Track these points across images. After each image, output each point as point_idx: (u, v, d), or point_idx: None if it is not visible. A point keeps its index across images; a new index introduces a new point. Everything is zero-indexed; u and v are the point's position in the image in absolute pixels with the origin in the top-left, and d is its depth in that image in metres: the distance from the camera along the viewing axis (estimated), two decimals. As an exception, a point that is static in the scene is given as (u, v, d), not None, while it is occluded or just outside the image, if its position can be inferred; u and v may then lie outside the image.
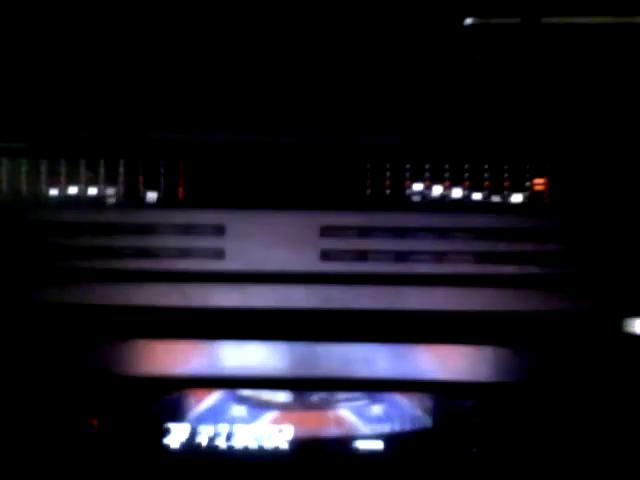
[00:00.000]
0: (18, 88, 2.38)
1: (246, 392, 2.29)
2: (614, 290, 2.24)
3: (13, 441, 2.30)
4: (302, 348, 2.24)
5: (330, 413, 2.28)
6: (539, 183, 2.28)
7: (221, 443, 2.30)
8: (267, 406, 2.29)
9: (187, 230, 2.24)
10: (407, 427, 2.29)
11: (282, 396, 2.28)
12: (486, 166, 2.28)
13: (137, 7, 2.59)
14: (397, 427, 2.29)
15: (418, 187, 2.28)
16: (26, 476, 2.31)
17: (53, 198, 2.29)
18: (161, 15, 2.58)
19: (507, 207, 2.26)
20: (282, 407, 2.28)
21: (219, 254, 2.22)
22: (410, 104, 2.30)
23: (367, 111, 2.29)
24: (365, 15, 2.53)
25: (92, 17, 2.58)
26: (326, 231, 2.23)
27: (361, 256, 2.23)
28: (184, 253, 2.22)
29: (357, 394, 2.29)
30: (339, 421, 2.29)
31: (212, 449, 2.31)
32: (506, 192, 2.28)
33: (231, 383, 2.27)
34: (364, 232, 2.23)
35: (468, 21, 2.52)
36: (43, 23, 2.59)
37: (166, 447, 2.31)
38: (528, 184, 2.27)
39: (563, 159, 2.26)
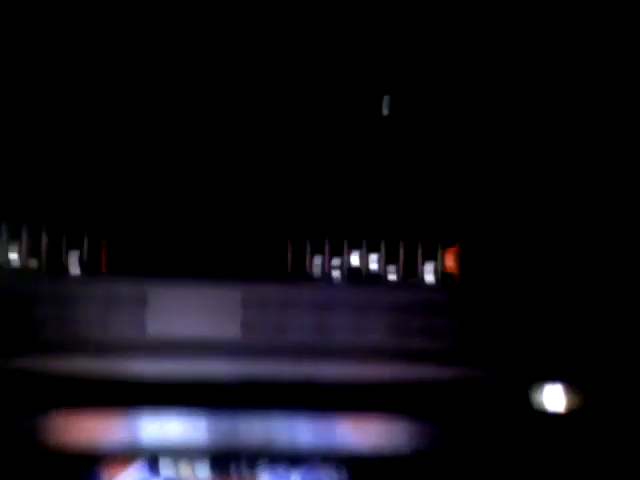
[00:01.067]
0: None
1: (165, 467, 2.30)
2: (516, 361, 2.34)
3: None
4: (222, 419, 2.27)
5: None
6: (449, 261, 2.37)
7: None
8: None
9: (108, 300, 2.26)
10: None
11: (201, 471, 2.30)
12: (400, 244, 2.36)
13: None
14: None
15: (337, 262, 2.35)
16: None
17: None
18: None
19: (420, 284, 2.34)
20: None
21: (140, 324, 2.24)
22: (330, 184, 2.38)
23: (288, 188, 2.36)
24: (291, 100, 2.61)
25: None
26: (247, 302, 2.27)
27: (281, 328, 2.28)
28: (105, 323, 2.24)
29: (277, 468, 2.32)
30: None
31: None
32: (419, 270, 2.36)
33: (151, 454, 2.28)
34: (284, 305, 2.28)
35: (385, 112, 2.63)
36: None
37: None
38: (439, 262, 2.36)
39: (471, 239, 2.36)
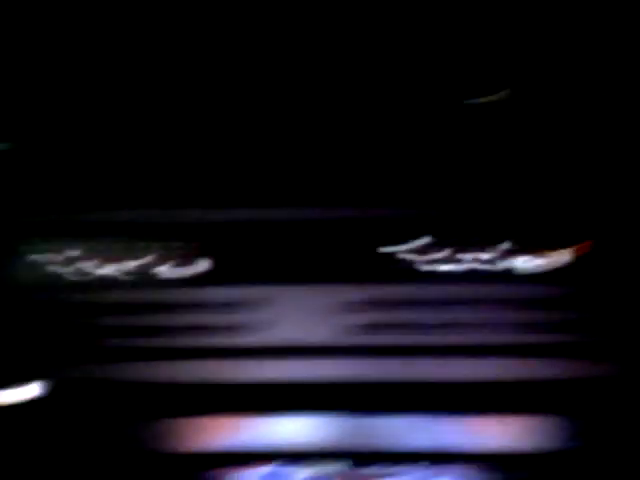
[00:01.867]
0: (63, 171, 2.45)
1: (300, 465, 2.31)
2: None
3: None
4: (347, 421, 2.27)
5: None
6: (572, 253, 2.31)
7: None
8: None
9: (225, 307, 2.29)
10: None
11: (335, 470, 2.30)
12: (518, 236, 2.31)
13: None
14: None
15: (449, 259, 2.31)
16: None
17: (101, 278, 2.33)
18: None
19: (539, 276, 2.29)
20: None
21: (254, 329, 2.27)
22: (441, 180, 2.34)
23: (394, 186, 2.33)
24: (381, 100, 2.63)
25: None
26: (358, 304, 2.27)
27: (396, 328, 2.27)
28: (217, 329, 2.27)
29: (411, 468, 2.30)
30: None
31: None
32: (539, 261, 2.31)
33: (275, 458, 2.30)
34: (399, 305, 2.27)
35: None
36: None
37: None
38: (561, 253, 2.31)
39: (599, 231, 2.30)
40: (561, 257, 2.31)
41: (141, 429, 2.31)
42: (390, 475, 2.29)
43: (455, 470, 2.29)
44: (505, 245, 2.30)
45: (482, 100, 2.67)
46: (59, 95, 2.82)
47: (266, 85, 2.78)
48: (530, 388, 2.26)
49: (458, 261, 2.30)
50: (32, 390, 2.33)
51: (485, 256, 2.30)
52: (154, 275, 2.34)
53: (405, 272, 2.31)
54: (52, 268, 2.36)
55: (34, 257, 2.36)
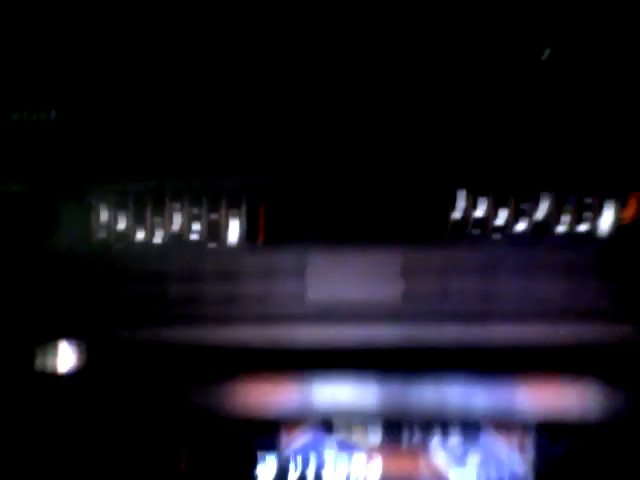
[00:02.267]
0: (109, 137, 2.43)
1: (337, 431, 2.31)
2: None
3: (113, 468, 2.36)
4: (393, 384, 2.25)
5: (423, 456, 2.29)
6: (629, 211, 2.23)
7: (310, 480, 2.34)
8: (357, 446, 2.31)
9: (269, 272, 2.27)
10: (504, 472, 2.28)
11: (373, 436, 2.30)
12: (569, 199, 2.24)
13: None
14: (493, 472, 2.28)
15: (500, 223, 2.25)
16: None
17: (139, 246, 2.33)
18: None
19: (591, 241, 2.22)
20: (373, 447, 2.30)
21: (301, 294, 2.24)
22: (493, 136, 2.27)
23: (446, 145, 2.27)
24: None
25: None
26: (408, 268, 2.23)
27: (443, 293, 2.23)
28: (267, 295, 2.26)
29: (451, 436, 2.28)
30: (432, 464, 2.29)
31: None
32: (590, 227, 2.24)
33: (323, 419, 2.30)
34: (446, 269, 2.22)
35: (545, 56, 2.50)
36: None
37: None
38: (612, 217, 2.23)
39: None
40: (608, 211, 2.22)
41: (177, 394, 2.34)
42: (424, 443, 2.29)
43: (490, 439, 2.28)
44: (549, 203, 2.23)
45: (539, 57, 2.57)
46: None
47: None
48: (576, 354, 2.21)
49: (508, 226, 2.25)
50: (69, 352, 2.37)
51: (526, 216, 2.24)
52: (187, 242, 2.34)
53: (455, 235, 2.27)
54: (94, 230, 2.37)
55: (78, 218, 2.37)
